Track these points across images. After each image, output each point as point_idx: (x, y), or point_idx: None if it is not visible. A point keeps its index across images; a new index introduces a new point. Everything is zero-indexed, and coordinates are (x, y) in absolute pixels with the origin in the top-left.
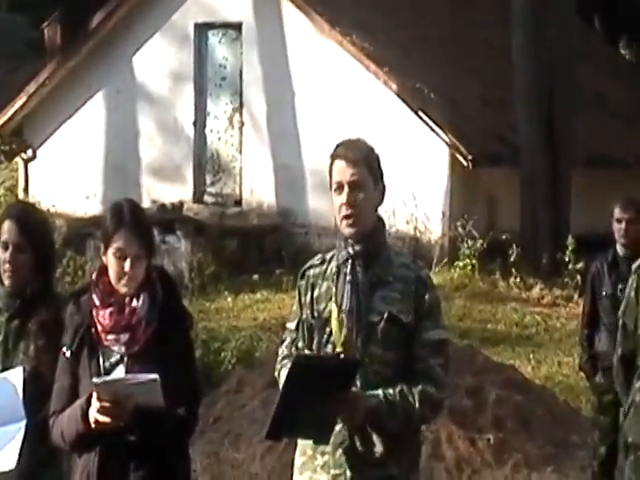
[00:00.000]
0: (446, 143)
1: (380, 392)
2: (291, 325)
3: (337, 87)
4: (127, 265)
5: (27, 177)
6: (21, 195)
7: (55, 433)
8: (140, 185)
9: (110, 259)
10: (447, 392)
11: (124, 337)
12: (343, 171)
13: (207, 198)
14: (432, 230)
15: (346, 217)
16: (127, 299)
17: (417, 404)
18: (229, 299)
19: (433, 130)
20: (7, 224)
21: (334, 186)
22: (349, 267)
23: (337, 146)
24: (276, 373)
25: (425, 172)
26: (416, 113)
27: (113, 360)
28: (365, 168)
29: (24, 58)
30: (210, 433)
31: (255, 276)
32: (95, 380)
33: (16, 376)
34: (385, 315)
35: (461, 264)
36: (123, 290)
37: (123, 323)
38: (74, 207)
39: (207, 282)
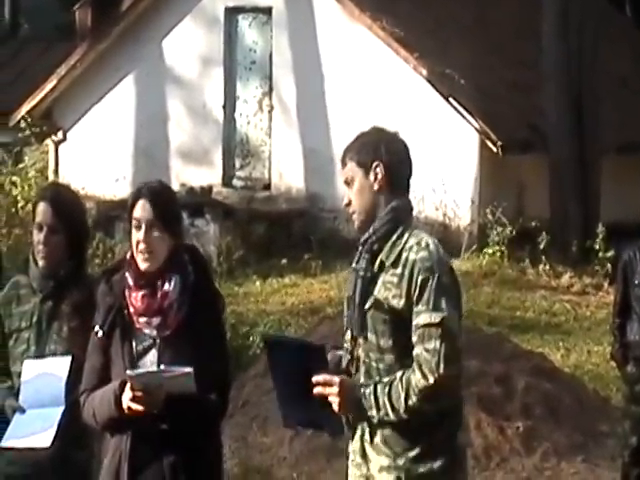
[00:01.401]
0: (476, 129)
1: (371, 383)
2: None
3: (366, 72)
4: (141, 235)
5: (57, 159)
6: (51, 177)
7: (86, 412)
8: (169, 168)
9: (132, 233)
10: (436, 377)
11: (156, 321)
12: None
13: (236, 182)
14: (461, 217)
15: (350, 215)
16: (159, 282)
17: (403, 394)
18: (257, 283)
19: (463, 116)
20: (42, 206)
21: None
22: (356, 256)
23: None
24: None
25: (454, 158)
26: (446, 99)
27: (146, 344)
28: (351, 162)
29: (55, 41)
30: (238, 417)
31: (283, 260)
32: (129, 372)
33: (63, 363)
34: (371, 301)
35: (490, 251)
36: (143, 266)
37: (155, 307)
38: (103, 190)
39: (235, 266)
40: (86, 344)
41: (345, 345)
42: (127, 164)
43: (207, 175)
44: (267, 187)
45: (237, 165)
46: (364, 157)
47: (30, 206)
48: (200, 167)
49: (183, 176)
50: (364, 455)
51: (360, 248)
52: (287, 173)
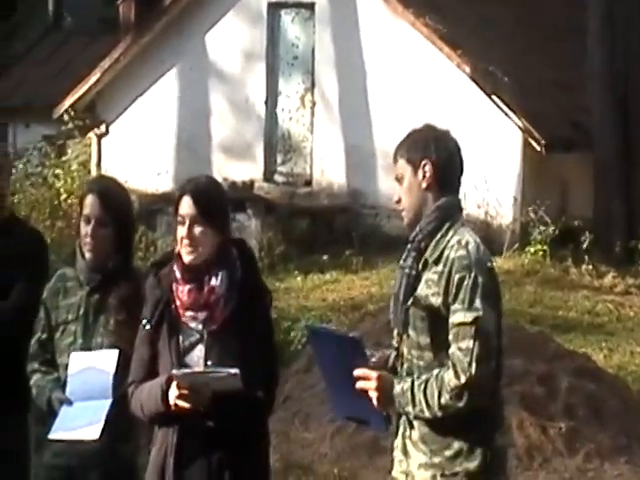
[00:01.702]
0: (519, 127)
1: (409, 379)
2: None
3: (409, 68)
4: (184, 231)
5: (100, 152)
6: (94, 170)
7: (134, 404)
8: (211, 163)
9: (177, 228)
10: (468, 376)
11: (202, 315)
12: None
13: (277, 177)
14: (503, 215)
15: (400, 212)
16: (206, 277)
17: (436, 392)
18: (298, 279)
19: (506, 114)
20: (90, 198)
21: None
22: (404, 253)
23: None
24: None
25: (497, 156)
26: (489, 97)
27: (193, 339)
28: (402, 159)
29: (98, 34)
30: (280, 412)
31: (324, 256)
32: (175, 372)
33: (111, 357)
34: (412, 298)
35: (532, 250)
36: (187, 259)
37: (201, 301)
38: (146, 183)
39: (276, 261)
40: (133, 337)
41: (393, 342)
42: (169, 158)
43: (249, 170)
44: (309, 183)
45: (279, 160)
46: (413, 155)
47: (72, 199)
48: (242, 162)
49: (225, 171)
50: (405, 451)
51: (408, 246)
52: (329, 169)
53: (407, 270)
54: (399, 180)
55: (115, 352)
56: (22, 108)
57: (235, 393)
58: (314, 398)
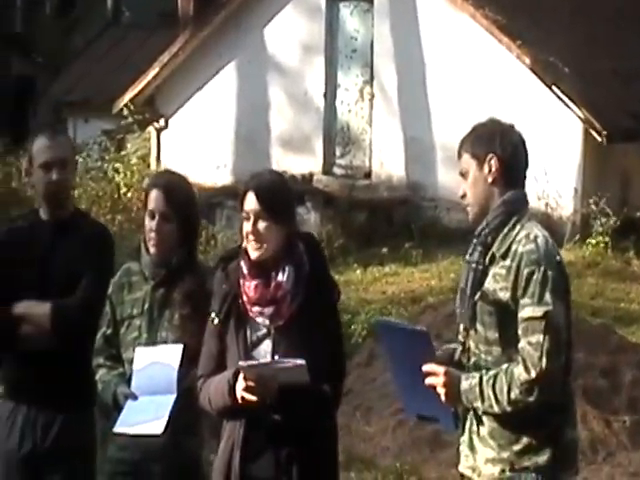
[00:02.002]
0: (580, 118)
1: (477, 374)
2: None
3: (469, 60)
4: (249, 227)
5: (159, 146)
6: (153, 164)
7: (202, 398)
8: (270, 156)
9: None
10: (538, 371)
11: (269, 310)
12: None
13: (336, 170)
14: (564, 207)
15: (465, 207)
16: (273, 272)
17: (506, 387)
18: (358, 272)
19: (566, 105)
20: (154, 193)
21: None
22: (470, 248)
23: None
24: None
25: (558, 147)
26: (550, 87)
27: (260, 334)
28: (467, 154)
29: (157, 28)
30: (341, 405)
31: (384, 249)
32: (241, 364)
33: (175, 351)
34: (480, 293)
35: (593, 241)
36: (254, 255)
37: (268, 297)
38: (204, 177)
39: (336, 254)
40: (197, 331)
41: (459, 336)
42: (228, 151)
43: (308, 163)
44: (368, 175)
45: (338, 153)
46: (478, 149)
47: (132, 192)
48: (301, 155)
49: (283, 164)
50: (472, 446)
51: (474, 240)
52: (388, 161)
53: (474, 265)
54: (464, 175)
55: (180, 347)
56: (81, 103)
57: (302, 387)
58: (375, 392)
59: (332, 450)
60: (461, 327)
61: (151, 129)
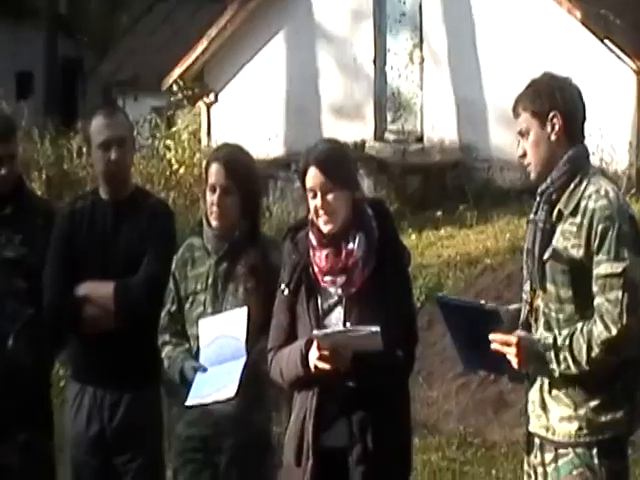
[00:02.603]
0: (633, 70)
1: (550, 336)
2: None
3: (518, 17)
4: (318, 202)
5: (209, 121)
6: (204, 139)
7: (274, 370)
8: (321, 125)
9: (308, 200)
10: (619, 327)
11: (340, 280)
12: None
13: (388, 136)
14: (618, 161)
15: (526, 167)
16: (343, 241)
17: (585, 346)
18: (413, 236)
19: (619, 57)
20: (215, 167)
21: None
22: (534, 207)
23: None
24: None
25: (611, 101)
26: (602, 41)
27: (331, 302)
28: (526, 112)
29: (204, 3)
30: None
31: (438, 213)
32: (316, 332)
33: (240, 316)
34: (550, 251)
35: None
36: (326, 229)
37: (339, 266)
38: (256, 149)
39: None
40: (262, 305)
41: (524, 296)
42: (279, 122)
43: (359, 130)
44: (420, 139)
45: (389, 119)
46: (539, 107)
47: (184, 169)
48: (352, 122)
49: (335, 132)
50: (544, 406)
51: (538, 199)
52: (439, 124)
53: (540, 224)
54: (522, 134)
55: (244, 310)
56: (130, 81)
57: (375, 353)
58: (437, 356)
59: (405, 415)
60: (527, 287)
61: (201, 104)
